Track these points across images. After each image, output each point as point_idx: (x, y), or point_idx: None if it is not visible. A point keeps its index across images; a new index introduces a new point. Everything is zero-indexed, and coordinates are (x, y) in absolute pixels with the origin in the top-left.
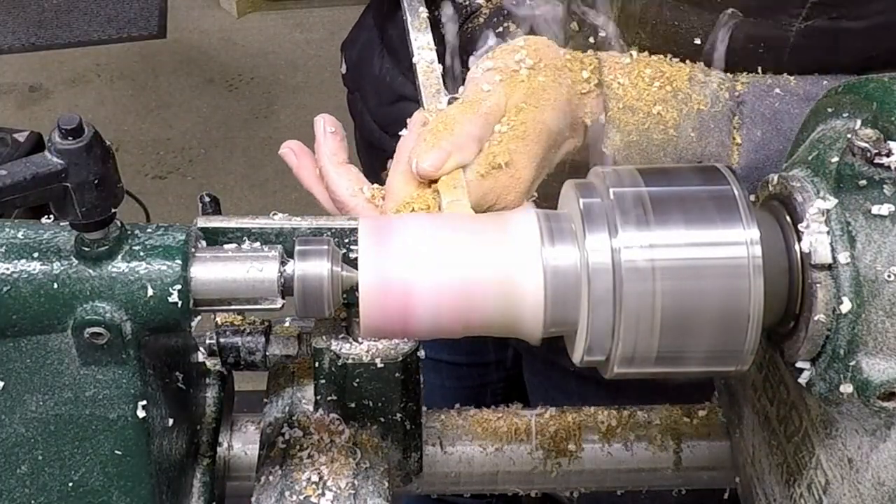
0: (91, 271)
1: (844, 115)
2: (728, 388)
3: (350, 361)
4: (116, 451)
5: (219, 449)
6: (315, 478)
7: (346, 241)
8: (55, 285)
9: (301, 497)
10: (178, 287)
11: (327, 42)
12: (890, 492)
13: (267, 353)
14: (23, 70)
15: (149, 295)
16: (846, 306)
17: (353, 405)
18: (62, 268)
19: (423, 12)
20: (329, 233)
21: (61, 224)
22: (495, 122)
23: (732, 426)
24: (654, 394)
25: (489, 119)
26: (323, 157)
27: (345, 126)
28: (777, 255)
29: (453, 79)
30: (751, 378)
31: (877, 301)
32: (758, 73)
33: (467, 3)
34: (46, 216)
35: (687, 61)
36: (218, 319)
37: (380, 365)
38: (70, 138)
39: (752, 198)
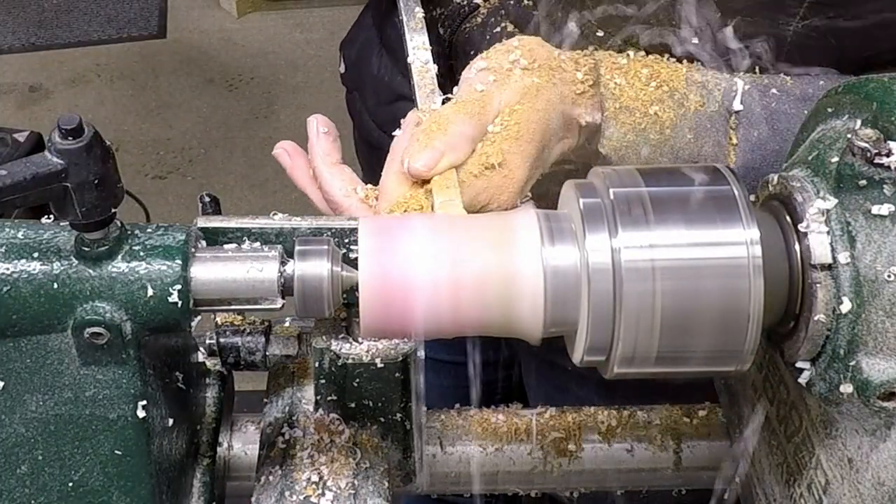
0: (91, 271)
1: (844, 115)
2: (728, 388)
3: (350, 361)
4: (116, 451)
5: (219, 449)
6: (315, 478)
7: (346, 241)
8: (55, 285)
9: (301, 497)
10: (178, 287)
11: (327, 42)
12: (890, 492)
13: (267, 353)
14: (23, 70)
15: (149, 295)
16: (846, 306)
17: (353, 405)
18: (62, 268)
19: (419, 12)
20: (329, 233)
21: (61, 224)
22: (489, 122)
23: (732, 426)
24: (653, 394)
25: (482, 119)
26: (316, 157)
27: (344, 125)
28: (777, 255)
29: (451, 79)
30: (751, 378)
31: (877, 301)
32: (755, 72)
33: (465, 2)
34: (46, 216)
35: (684, 61)
36: (218, 319)
37: (380, 365)
38: (70, 138)
39: (752, 198)
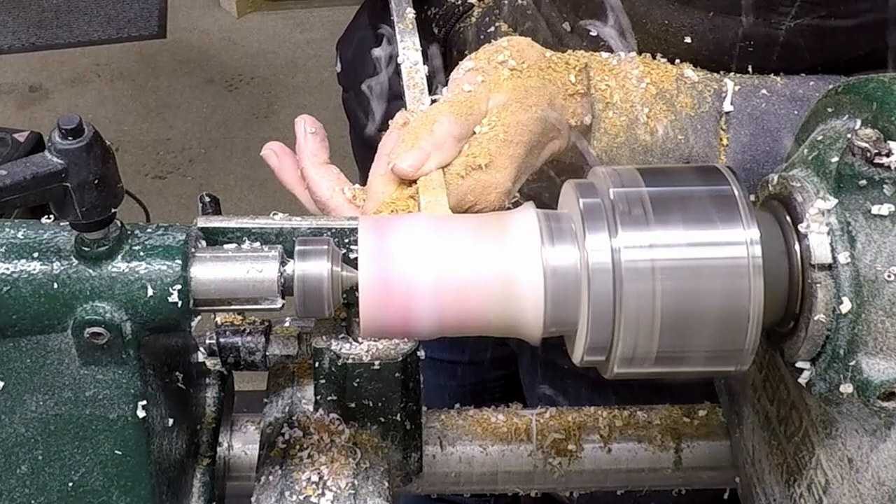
0: (91, 271)
1: (844, 115)
2: (728, 388)
3: (350, 361)
4: (116, 451)
5: (219, 449)
6: (315, 478)
7: (346, 241)
8: (55, 285)
9: (301, 497)
10: (178, 287)
11: (327, 42)
12: (890, 492)
13: (267, 353)
14: (23, 70)
15: (149, 295)
16: (846, 306)
17: (353, 405)
18: (62, 268)
19: (410, 13)
20: (329, 233)
21: (61, 224)
22: (476, 122)
23: (732, 426)
24: (652, 393)
25: (470, 119)
26: (304, 157)
27: (343, 125)
28: (777, 255)
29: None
30: (751, 378)
31: (877, 301)
32: (748, 71)
33: (459, 2)
34: (46, 216)
35: (676, 61)
36: (218, 319)
37: (379, 365)
38: (70, 138)
39: (752, 198)
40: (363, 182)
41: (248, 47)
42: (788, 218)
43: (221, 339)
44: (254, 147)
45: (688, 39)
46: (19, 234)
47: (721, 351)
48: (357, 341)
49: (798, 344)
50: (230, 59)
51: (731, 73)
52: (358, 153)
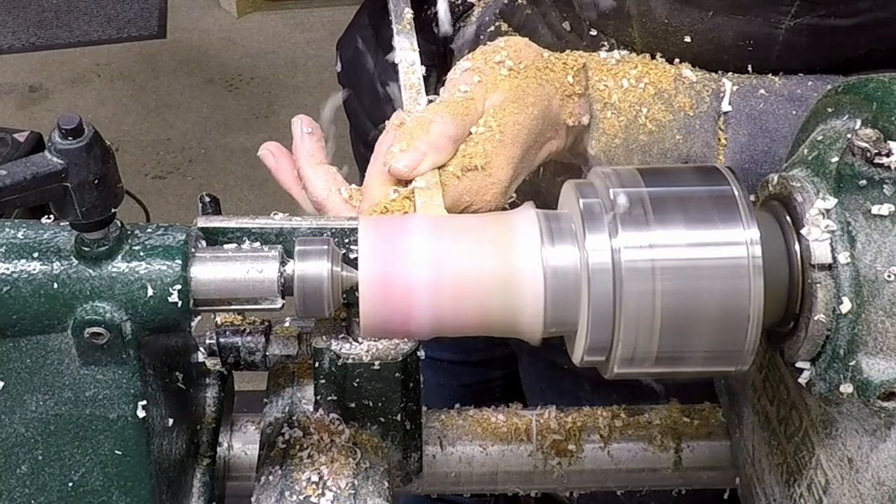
0: (91, 271)
1: (844, 115)
2: (728, 388)
3: (350, 361)
4: (116, 451)
5: (219, 449)
6: (315, 478)
7: (346, 241)
8: (55, 285)
9: (301, 497)
10: (178, 287)
11: (327, 42)
12: (890, 492)
13: (267, 353)
14: (23, 70)
15: (149, 295)
16: (846, 306)
17: (353, 405)
18: (62, 268)
19: (409, 13)
20: (329, 233)
21: (61, 224)
22: (472, 122)
23: (732, 426)
24: (651, 393)
25: (466, 120)
26: (300, 157)
27: (344, 125)
28: (777, 255)
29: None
30: (751, 378)
31: (877, 301)
32: (747, 70)
33: (459, 1)
34: (46, 216)
35: (676, 60)
36: (218, 319)
37: (379, 365)
38: (70, 138)
39: (752, 198)
40: (363, 182)
41: (248, 47)
42: (788, 218)
43: (221, 339)
44: (254, 147)
45: (687, 38)
46: (19, 234)
47: (721, 351)
48: (357, 341)
49: (798, 344)
50: (230, 59)
51: (731, 73)
52: (357, 153)
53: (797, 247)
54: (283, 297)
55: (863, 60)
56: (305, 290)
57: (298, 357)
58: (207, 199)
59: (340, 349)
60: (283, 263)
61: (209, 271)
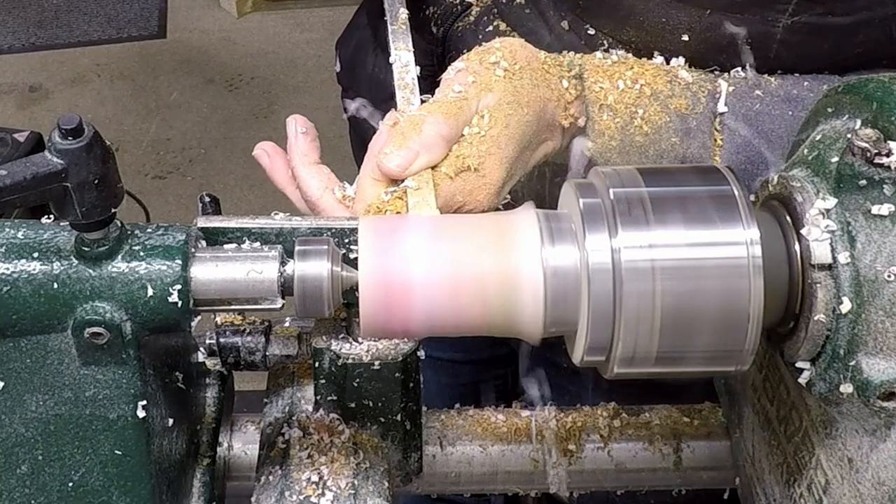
0: (91, 271)
1: (844, 115)
2: (728, 388)
3: (350, 361)
4: (116, 451)
5: (219, 449)
6: (315, 478)
7: (346, 241)
8: (55, 285)
9: (301, 497)
10: (178, 287)
11: (327, 42)
12: (890, 492)
13: (267, 353)
14: (23, 70)
15: (149, 295)
16: (846, 306)
17: (353, 405)
18: (62, 268)
19: (404, 13)
20: (329, 233)
21: (61, 224)
22: (465, 123)
23: (732, 426)
24: (650, 392)
25: (459, 120)
26: (295, 157)
27: (343, 125)
28: (777, 255)
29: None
30: (751, 378)
31: (877, 301)
32: (745, 69)
33: (458, 1)
34: (46, 216)
35: (673, 60)
36: (218, 319)
37: (379, 365)
38: (70, 138)
39: (752, 198)
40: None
41: (248, 47)
42: (788, 218)
43: (221, 339)
44: (254, 147)
45: (685, 37)
46: (19, 234)
47: (721, 351)
48: (357, 341)
49: (798, 344)
50: (230, 59)
51: (728, 73)
52: (358, 153)
53: (797, 247)
54: (283, 297)
55: (860, 59)
56: (305, 290)
57: (298, 357)
58: (207, 199)
59: (340, 349)
60: (283, 263)
61: (209, 271)
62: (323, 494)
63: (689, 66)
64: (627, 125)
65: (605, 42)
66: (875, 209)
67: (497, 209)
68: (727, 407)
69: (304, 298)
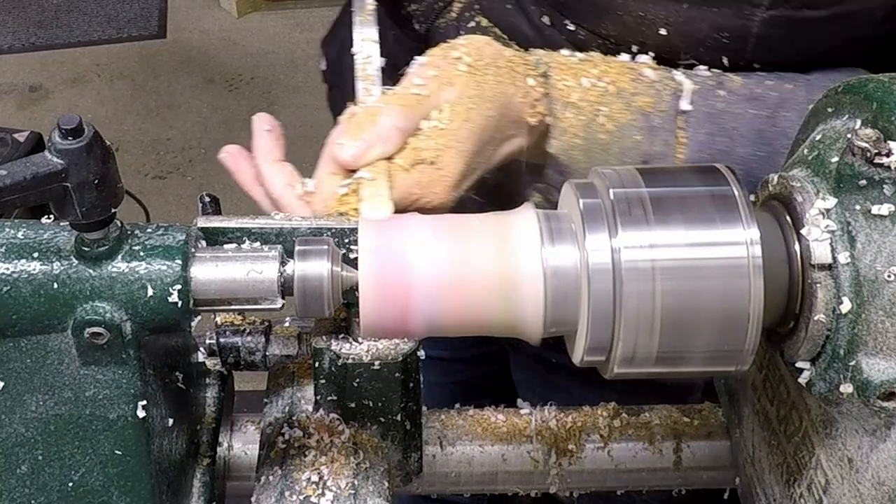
0: (91, 271)
1: (844, 115)
2: (728, 388)
3: (350, 361)
4: (116, 451)
5: (219, 449)
6: (315, 478)
7: (346, 241)
8: (55, 285)
9: (301, 497)
10: (178, 287)
11: None
12: (890, 492)
13: (267, 353)
14: (23, 70)
15: (149, 295)
16: (846, 306)
17: (353, 405)
18: (62, 268)
19: (370, 4)
20: (329, 233)
21: (61, 224)
22: (422, 115)
23: (732, 426)
24: (648, 393)
25: (416, 112)
26: (259, 155)
27: (328, 125)
28: (777, 255)
29: None
30: (751, 378)
31: (877, 301)
32: (722, 63)
33: None
34: (46, 216)
35: (640, 56)
36: (218, 319)
37: (379, 365)
38: (70, 138)
39: (752, 198)
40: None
41: (248, 47)
42: (788, 218)
43: (221, 339)
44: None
45: (663, 31)
46: (19, 234)
47: (721, 351)
48: (357, 341)
49: (798, 344)
50: (230, 59)
51: (701, 67)
52: None
53: (797, 247)
54: (283, 297)
55: (837, 54)
56: (305, 290)
57: (298, 357)
58: (207, 199)
59: (340, 349)
60: (283, 263)
61: (209, 271)
62: (323, 494)
63: (667, 61)
64: (591, 123)
65: (584, 36)
66: (875, 209)
67: (454, 208)
68: (727, 407)
69: (304, 298)
